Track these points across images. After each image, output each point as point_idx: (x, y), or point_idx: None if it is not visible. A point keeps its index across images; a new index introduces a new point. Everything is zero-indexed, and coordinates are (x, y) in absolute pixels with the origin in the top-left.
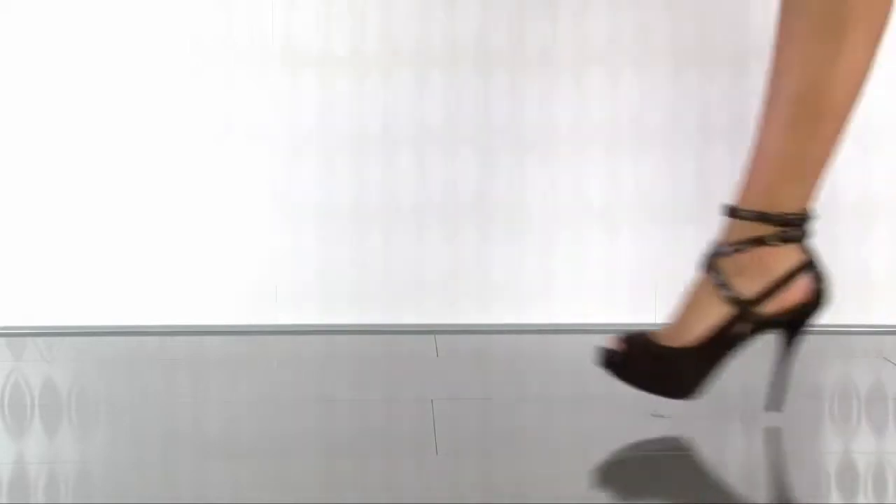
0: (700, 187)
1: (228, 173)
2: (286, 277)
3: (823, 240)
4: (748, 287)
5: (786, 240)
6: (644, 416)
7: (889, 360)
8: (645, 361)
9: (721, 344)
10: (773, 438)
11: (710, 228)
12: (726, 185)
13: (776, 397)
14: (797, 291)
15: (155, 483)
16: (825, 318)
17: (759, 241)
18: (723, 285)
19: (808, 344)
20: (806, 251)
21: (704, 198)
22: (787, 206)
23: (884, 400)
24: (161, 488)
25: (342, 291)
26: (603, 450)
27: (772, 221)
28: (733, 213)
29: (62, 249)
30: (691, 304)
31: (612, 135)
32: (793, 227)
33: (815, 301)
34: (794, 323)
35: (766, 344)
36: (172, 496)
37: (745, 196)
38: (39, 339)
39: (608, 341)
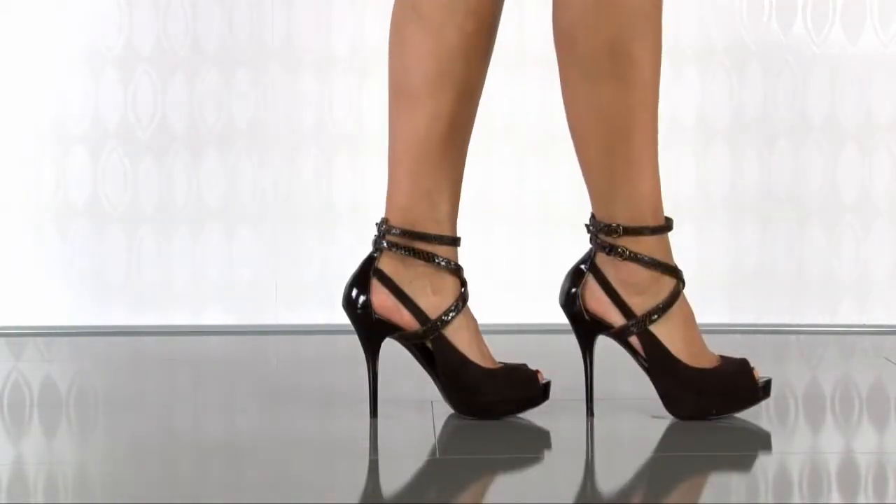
0: (700, 187)
1: (227, 173)
2: (286, 277)
3: (823, 240)
4: None
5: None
6: (644, 415)
7: (889, 360)
8: None
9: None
10: (774, 438)
11: (710, 228)
12: (726, 185)
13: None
14: None
15: (155, 483)
16: (825, 318)
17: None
18: None
19: (809, 344)
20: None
21: (704, 197)
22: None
23: (884, 400)
24: (161, 488)
25: (342, 291)
26: (602, 450)
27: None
28: None
29: (62, 250)
30: None
31: None
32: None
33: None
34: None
35: (774, 347)
36: (172, 496)
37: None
38: (39, 339)
39: None
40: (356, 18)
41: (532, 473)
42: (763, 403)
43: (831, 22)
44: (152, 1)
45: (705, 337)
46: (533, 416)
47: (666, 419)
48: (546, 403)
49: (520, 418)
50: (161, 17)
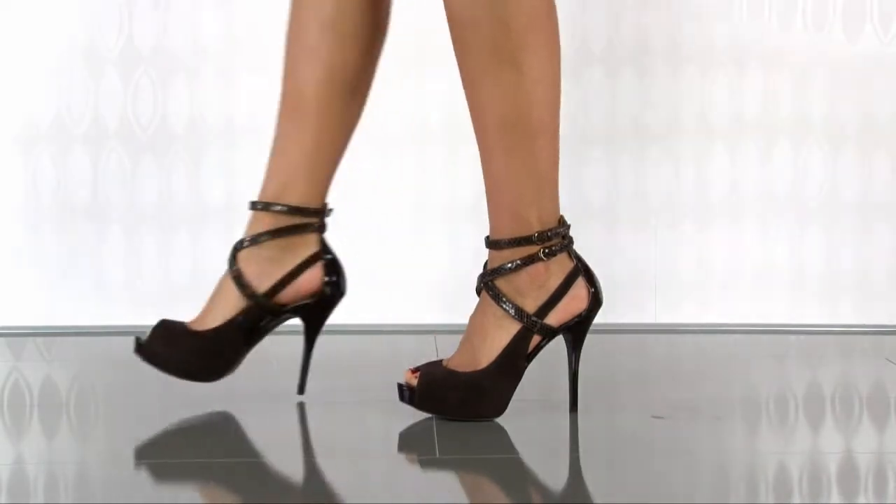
0: (699, 187)
1: (227, 173)
2: None
3: (824, 240)
4: (530, 303)
5: (551, 253)
6: (644, 416)
7: (889, 360)
8: (454, 392)
9: (518, 358)
10: (773, 438)
11: (711, 228)
12: (726, 185)
13: (572, 396)
14: (580, 300)
15: (154, 483)
16: (825, 318)
17: (529, 260)
18: (507, 304)
19: (809, 344)
20: (573, 257)
21: (704, 197)
22: (540, 224)
23: (884, 400)
24: (161, 488)
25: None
26: (602, 450)
27: (533, 242)
28: (493, 245)
29: (62, 250)
30: (478, 332)
31: (612, 135)
32: (551, 240)
33: (593, 304)
34: (577, 328)
35: (774, 347)
36: (172, 496)
37: (497, 226)
38: (39, 339)
39: (406, 377)
40: None
41: (533, 473)
42: (763, 403)
43: (831, 22)
44: (152, 1)
45: (707, 337)
46: (534, 416)
47: (664, 419)
48: (545, 403)
49: (520, 419)
50: (161, 17)
